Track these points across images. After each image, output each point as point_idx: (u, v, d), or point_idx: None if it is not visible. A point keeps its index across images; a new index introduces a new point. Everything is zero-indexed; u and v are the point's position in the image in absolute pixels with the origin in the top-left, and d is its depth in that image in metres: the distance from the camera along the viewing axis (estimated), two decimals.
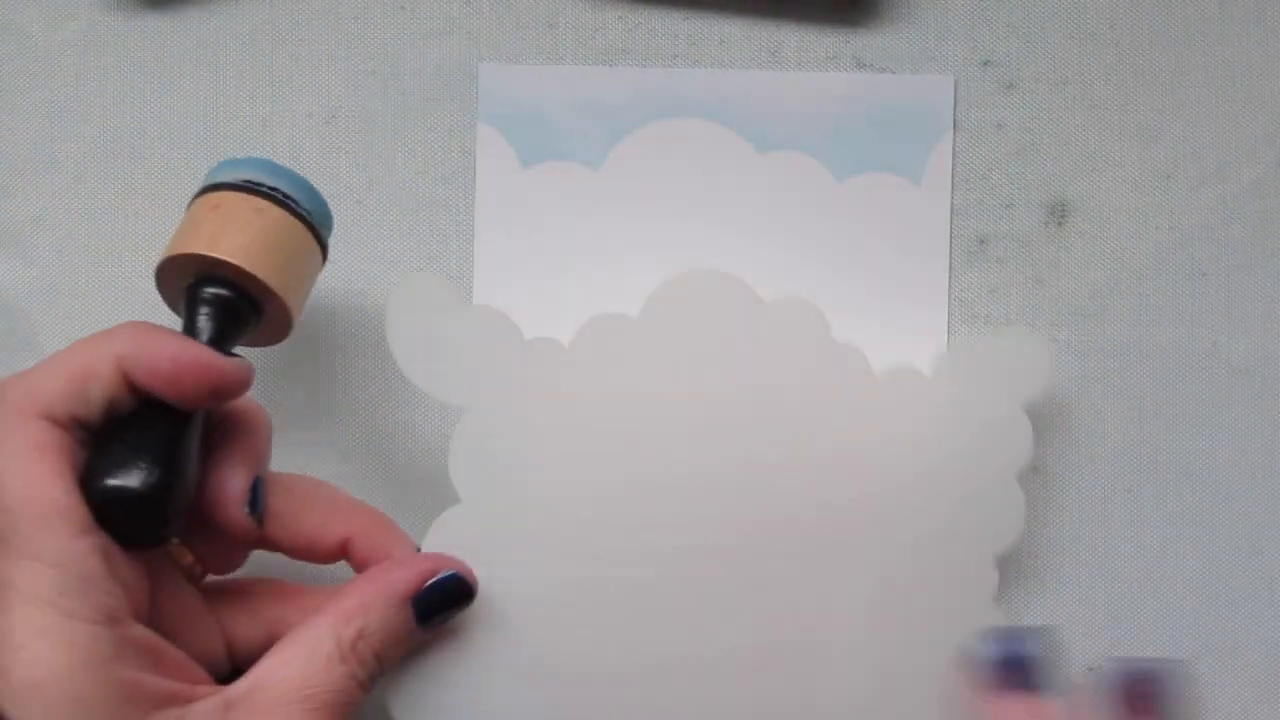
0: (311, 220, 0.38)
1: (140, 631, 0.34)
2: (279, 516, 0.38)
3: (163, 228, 0.43)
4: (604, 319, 0.41)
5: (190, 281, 0.37)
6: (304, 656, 0.36)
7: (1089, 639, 0.45)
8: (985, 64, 0.45)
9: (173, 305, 0.39)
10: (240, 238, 0.37)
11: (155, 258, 0.44)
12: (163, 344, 0.35)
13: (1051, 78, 0.45)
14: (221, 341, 0.37)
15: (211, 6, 0.45)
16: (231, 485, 0.36)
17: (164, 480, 0.34)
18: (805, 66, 0.45)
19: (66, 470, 0.33)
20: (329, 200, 0.40)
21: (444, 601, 0.38)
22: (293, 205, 0.38)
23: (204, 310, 0.37)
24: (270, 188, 0.38)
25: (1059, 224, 0.45)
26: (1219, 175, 0.45)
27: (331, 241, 0.44)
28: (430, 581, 0.38)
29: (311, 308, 0.44)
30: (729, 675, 0.41)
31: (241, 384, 0.36)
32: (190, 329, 0.37)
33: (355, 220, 0.44)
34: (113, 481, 0.34)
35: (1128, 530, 0.45)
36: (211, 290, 0.37)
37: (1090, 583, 0.45)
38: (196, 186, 0.39)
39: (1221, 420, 0.45)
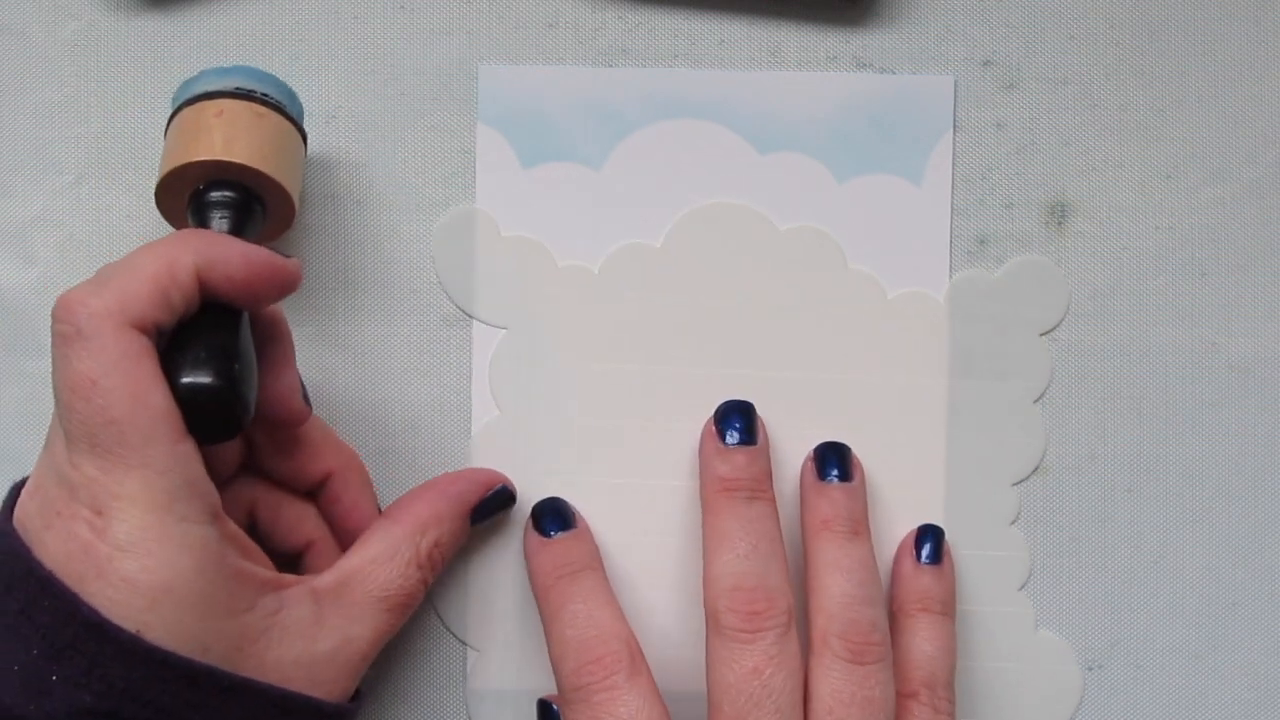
0: (298, 121, 0.41)
1: (232, 525, 0.37)
2: (275, 444, 0.41)
3: (163, 227, 0.43)
4: (630, 247, 0.44)
5: (199, 188, 0.39)
6: (385, 560, 0.39)
7: (1089, 639, 0.45)
8: (985, 64, 0.45)
9: (171, 216, 0.40)
10: (250, 140, 0.39)
11: None
12: (232, 249, 0.36)
13: (1051, 78, 0.45)
14: (239, 229, 0.39)
15: (211, 6, 0.45)
16: (287, 380, 0.39)
17: (240, 375, 0.36)
18: (805, 66, 0.45)
19: (160, 376, 0.35)
20: (329, 200, 0.42)
21: (495, 509, 0.43)
22: (284, 109, 0.40)
23: (218, 213, 0.39)
24: (263, 94, 0.40)
25: (1059, 224, 0.45)
26: (1219, 175, 0.45)
27: (332, 241, 0.45)
28: (487, 494, 0.43)
29: (310, 308, 0.44)
30: None
31: (299, 281, 0.38)
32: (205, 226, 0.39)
33: (355, 220, 0.44)
34: (198, 379, 0.35)
35: (1128, 530, 0.45)
36: (224, 193, 0.39)
37: (1090, 583, 0.45)
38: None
39: (1221, 420, 0.45)
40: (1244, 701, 0.45)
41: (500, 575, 0.44)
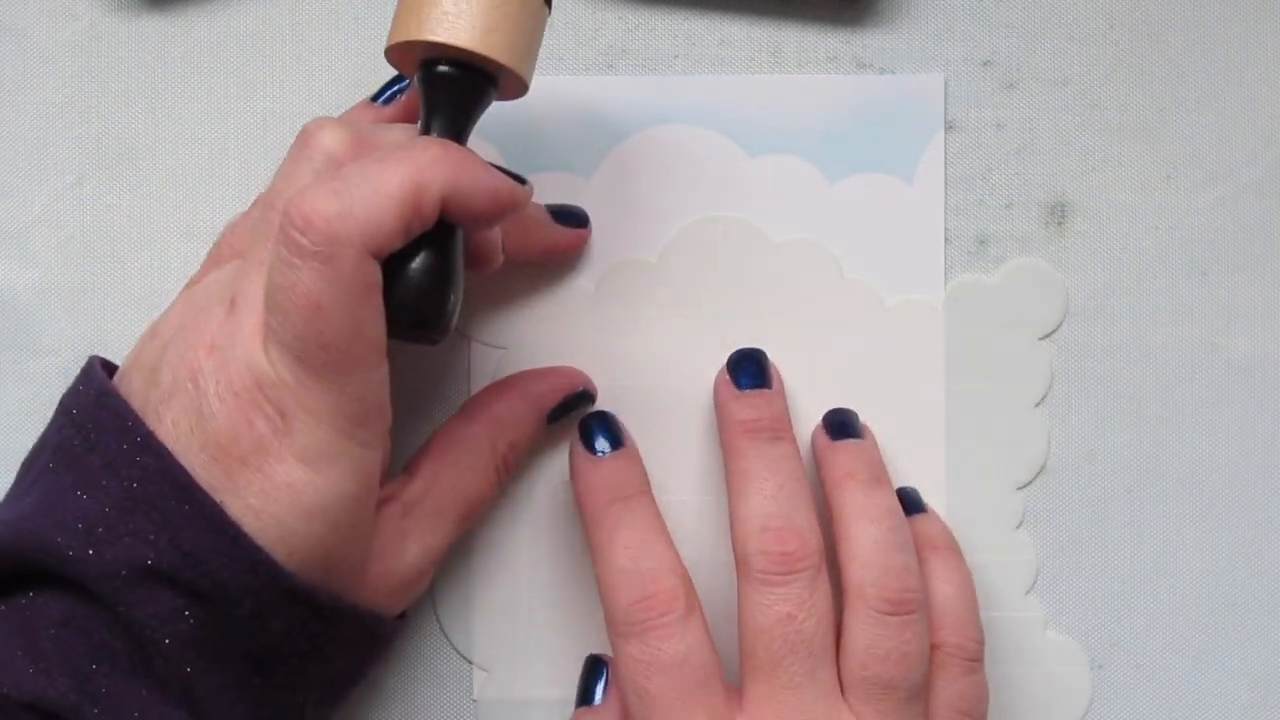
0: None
1: (388, 441, 0.37)
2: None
3: (164, 227, 0.43)
4: (625, 264, 0.44)
5: (436, 60, 0.36)
6: (469, 468, 0.40)
7: (1089, 639, 0.45)
8: (985, 64, 0.45)
9: (402, 67, 0.38)
10: (510, 29, 0.36)
11: (156, 259, 0.44)
12: (480, 182, 0.35)
13: (1051, 78, 0.45)
14: (469, 119, 0.37)
15: (211, 6, 0.45)
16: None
17: (453, 294, 0.36)
18: (806, 67, 0.45)
19: (381, 307, 0.34)
20: None
21: (573, 409, 0.43)
22: None
23: (450, 94, 0.37)
24: None
25: (1059, 224, 0.45)
26: (1219, 175, 0.45)
27: None
28: (566, 398, 0.42)
29: None
30: None
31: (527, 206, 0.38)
32: (434, 109, 0.37)
33: None
34: (411, 301, 0.35)
35: (1128, 530, 0.45)
36: (460, 74, 0.36)
37: (1090, 583, 0.45)
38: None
39: (1221, 420, 0.45)
40: (1244, 701, 0.45)
41: (505, 588, 0.44)
